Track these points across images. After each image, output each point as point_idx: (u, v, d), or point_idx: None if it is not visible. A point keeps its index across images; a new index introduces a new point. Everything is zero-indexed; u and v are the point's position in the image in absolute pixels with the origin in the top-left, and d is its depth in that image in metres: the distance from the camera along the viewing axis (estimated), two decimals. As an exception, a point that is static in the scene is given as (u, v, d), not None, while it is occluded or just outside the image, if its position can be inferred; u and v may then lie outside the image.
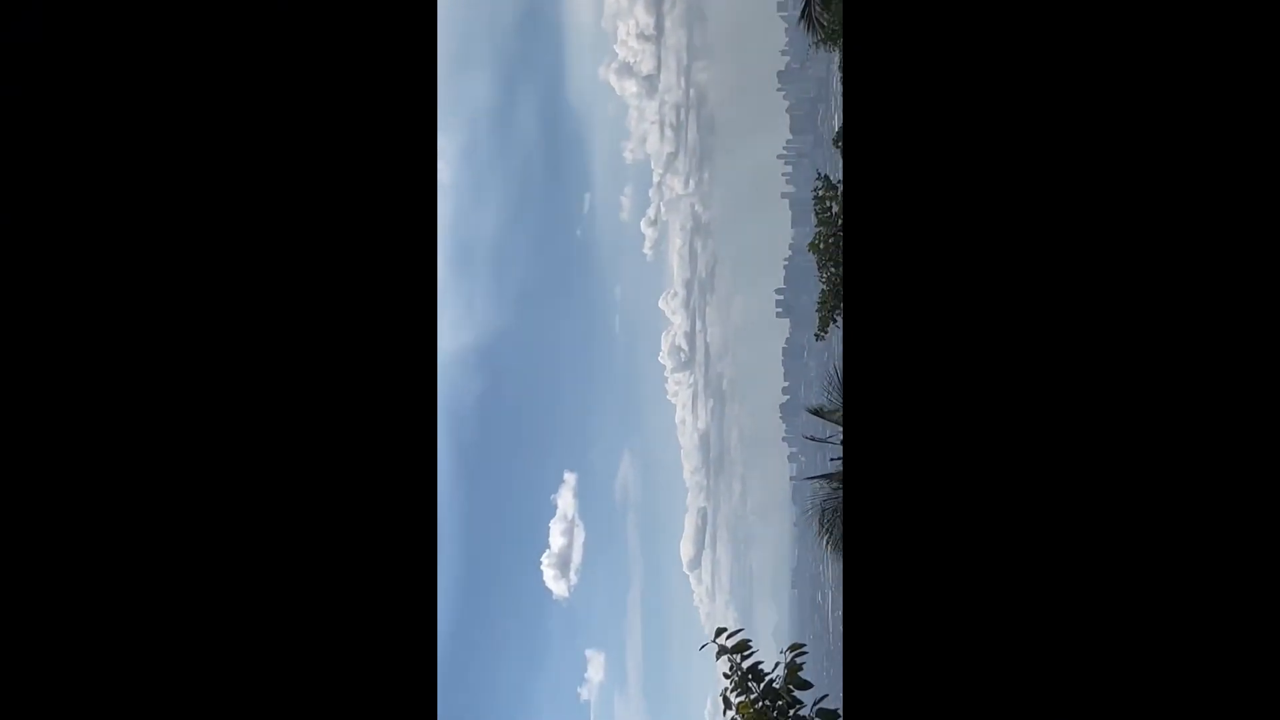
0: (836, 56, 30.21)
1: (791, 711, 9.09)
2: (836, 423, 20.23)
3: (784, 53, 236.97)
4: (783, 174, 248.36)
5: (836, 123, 33.44)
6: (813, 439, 23.25)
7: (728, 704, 9.24)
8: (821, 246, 22.03)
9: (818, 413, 20.98)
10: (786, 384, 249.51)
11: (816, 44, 28.48)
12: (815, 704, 8.88)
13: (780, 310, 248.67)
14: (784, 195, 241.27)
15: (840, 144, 30.40)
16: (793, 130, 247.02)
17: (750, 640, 9.61)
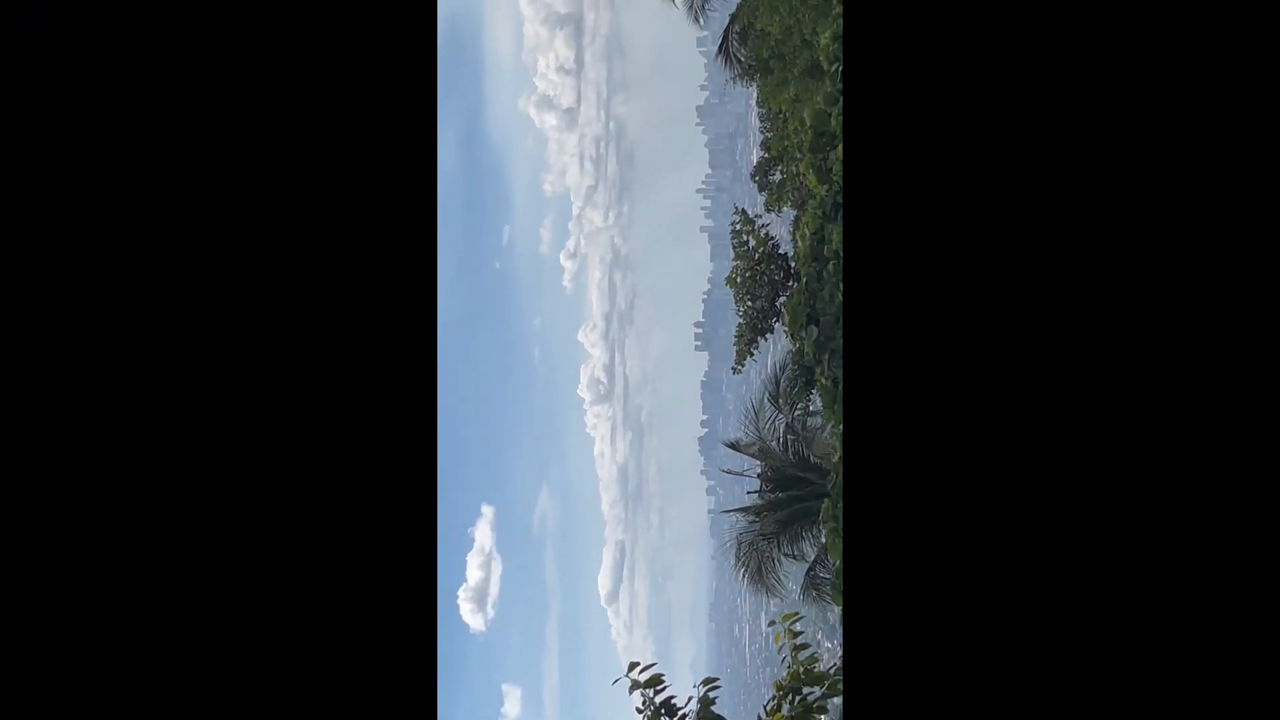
0: (754, 91, 30.39)
1: (705, 747, 8.98)
2: (754, 456, 20.23)
3: (703, 87, 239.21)
4: (701, 208, 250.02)
5: (755, 157, 33.61)
6: (731, 472, 23.24)
7: (642, 740, 9.11)
8: (739, 280, 22.04)
9: (735, 446, 20.99)
10: (705, 417, 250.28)
11: (734, 79, 28.68)
12: (729, 738, 8.78)
13: (699, 343, 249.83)
14: (703, 229, 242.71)
15: (757, 178, 30.61)
16: (711, 164, 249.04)
17: (663, 675, 9.51)
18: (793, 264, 20.78)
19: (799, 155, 24.54)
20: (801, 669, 7.88)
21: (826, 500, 15.23)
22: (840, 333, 14.75)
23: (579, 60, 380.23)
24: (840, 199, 15.09)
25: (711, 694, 9.26)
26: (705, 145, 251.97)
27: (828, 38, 15.64)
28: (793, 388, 18.47)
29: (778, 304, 21.32)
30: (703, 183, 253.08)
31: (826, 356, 14.78)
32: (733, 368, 24.26)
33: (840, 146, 14.97)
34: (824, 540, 17.23)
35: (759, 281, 21.25)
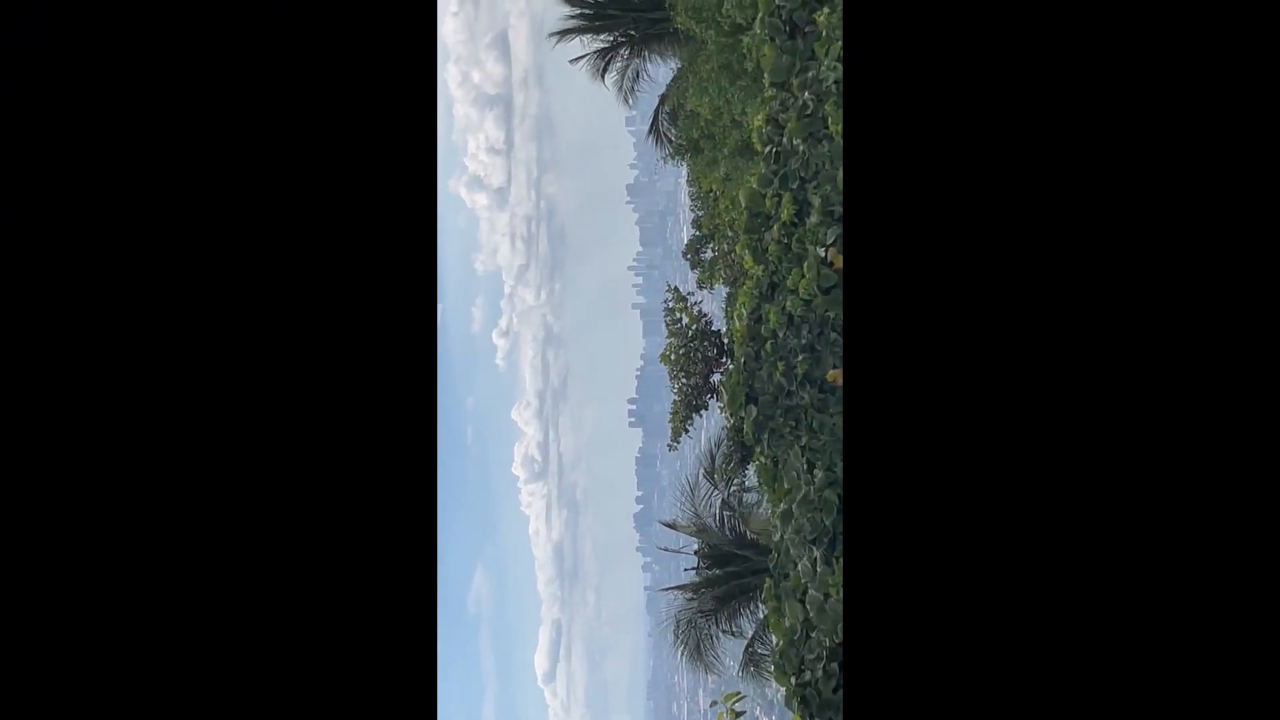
0: (685, 170, 30.72)
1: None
2: (690, 534, 20.17)
3: (633, 166, 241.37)
4: (633, 285, 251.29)
5: (685, 235, 33.95)
6: (667, 550, 23.12)
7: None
8: (673, 357, 22.12)
9: (672, 525, 20.92)
10: (640, 493, 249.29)
11: (665, 158, 28.97)
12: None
13: (633, 420, 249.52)
14: (635, 306, 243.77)
15: (689, 255, 30.83)
16: (642, 242, 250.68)
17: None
18: (726, 341, 20.89)
19: (731, 234, 24.77)
20: (747, 750, 7.80)
21: (765, 577, 15.20)
22: (779, 412, 14.79)
23: (509, 140, 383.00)
24: (775, 279, 15.21)
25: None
26: (636, 223, 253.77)
27: (760, 120, 15.84)
28: (728, 463, 18.48)
29: (712, 380, 21.39)
30: (634, 260, 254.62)
31: (766, 435, 14.81)
32: (668, 444, 24.26)
33: (776, 227, 15.13)
34: (762, 617, 17.16)
35: (693, 358, 21.35)
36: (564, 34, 27.04)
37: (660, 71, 28.81)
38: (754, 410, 14.97)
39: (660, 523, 22.68)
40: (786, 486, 14.30)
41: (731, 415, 15.91)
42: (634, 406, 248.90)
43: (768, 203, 15.43)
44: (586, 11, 27.07)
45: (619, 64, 27.75)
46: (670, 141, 28.01)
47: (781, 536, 14.38)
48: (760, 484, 15.99)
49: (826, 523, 13.66)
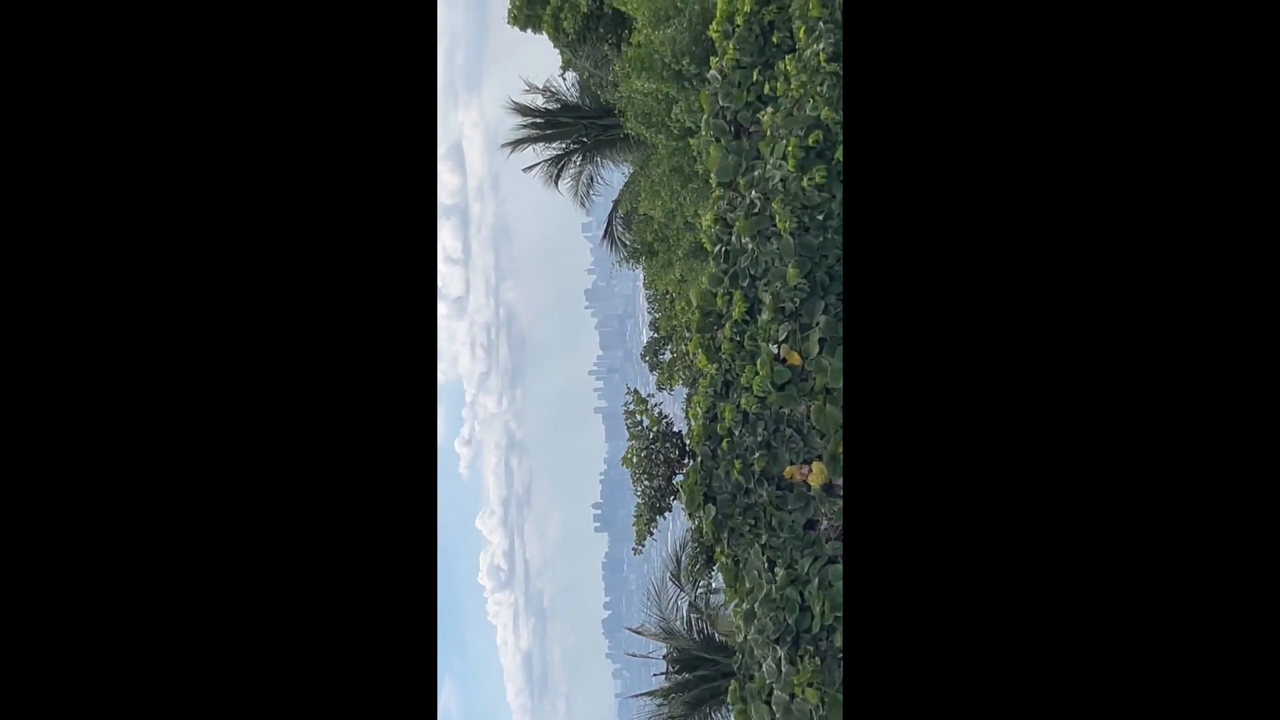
0: (640, 274, 30.91)
1: None
2: (658, 639, 19.93)
3: (590, 271, 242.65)
4: (594, 389, 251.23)
5: (644, 337, 34.10)
6: (636, 655, 22.80)
7: None
8: (635, 460, 22.00)
9: (639, 631, 20.69)
10: (608, 599, 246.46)
11: (621, 262, 29.13)
12: None
13: (598, 525, 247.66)
14: (597, 410, 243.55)
15: (647, 358, 30.89)
16: (602, 346, 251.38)
17: None
18: (687, 442, 20.85)
19: (688, 334, 24.86)
20: None
21: (733, 680, 14.99)
22: (738, 511, 14.71)
23: (466, 249, 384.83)
24: (729, 377, 15.22)
25: None
26: (595, 327, 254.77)
27: (709, 220, 15.99)
28: (693, 565, 18.33)
29: (674, 482, 21.28)
30: (595, 364, 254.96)
31: (726, 535, 14.70)
32: (633, 548, 24.07)
33: (728, 325, 15.19)
34: (733, 720, 16.90)
35: (655, 460, 21.24)
36: (517, 144, 27.34)
37: (613, 176, 29.13)
38: (712, 510, 14.88)
39: (627, 629, 22.44)
40: (748, 586, 14.17)
41: (691, 515, 15.81)
42: (599, 511, 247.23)
43: (719, 301, 15.51)
44: (538, 120, 27.41)
45: (572, 170, 28.04)
46: (625, 245, 28.23)
47: (745, 637, 14.21)
48: (724, 584, 15.85)
49: (789, 621, 13.52)
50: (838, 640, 13.18)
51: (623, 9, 25.64)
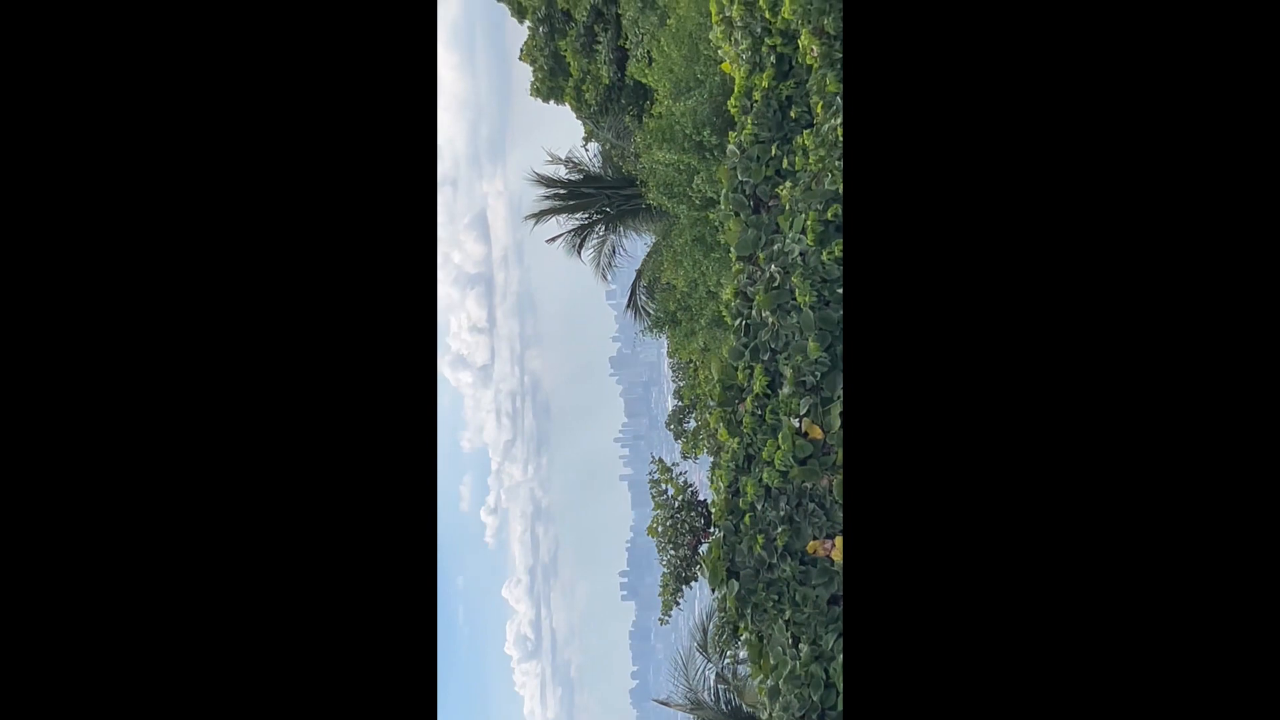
0: (665, 342, 30.97)
1: None
2: (686, 711, 19.73)
3: (615, 339, 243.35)
4: (620, 457, 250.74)
5: (669, 406, 34.07)
6: (663, 728, 22.60)
7: None
8: (660, 530, 21.93)
9: (665, 703, 20.51)
10: (635, 668, 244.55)
11: (645, 330, 29.19)
12: None
13: (625, 593, 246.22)
14: (622, 478, 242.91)
15: (672, 426, 30.84)
16: (627, 414, 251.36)
17: None
18: (712, 511, 20.77)
19: (711, 404, 24.86)
20: None
21: (761, 755, 14.80)
22: (761, 586, 14.59)
23: (491, 319, 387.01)
24: (751, 451, 15.16)
25: None
26: (620, 395, 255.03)
27: (729, 294, 16.02)
28: (720, 636, 18.19)
29: (700, 551, 21.17)
30: (620, 432, 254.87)
31: (749, 611, 14.57)
32: (659, 618, 23.93)
33: (749, 399, 15.15)
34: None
35: (680, 529, 21.13)
36: (541, 214, 27.53)
37: (636, 246, 29.29)
38: (736, 585, 14.76)
39: (654, 700, 22.26)
40: (773, 662, 14.01)
41: (715, 590, 15.69)
42: (625, 579, 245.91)
43: (740, 375, 15.50)
44: (561, 191, 27.62)
45: (595, 240, 28.21)
46: (649, 314, 28.29)
47: (770, 715, 14.02)
48: (748, 658, 15.70)
49: (814, 698, 13.34)
50: (864, 717, 12.96)
51: (644, 81, 25.93)
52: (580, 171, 28.06)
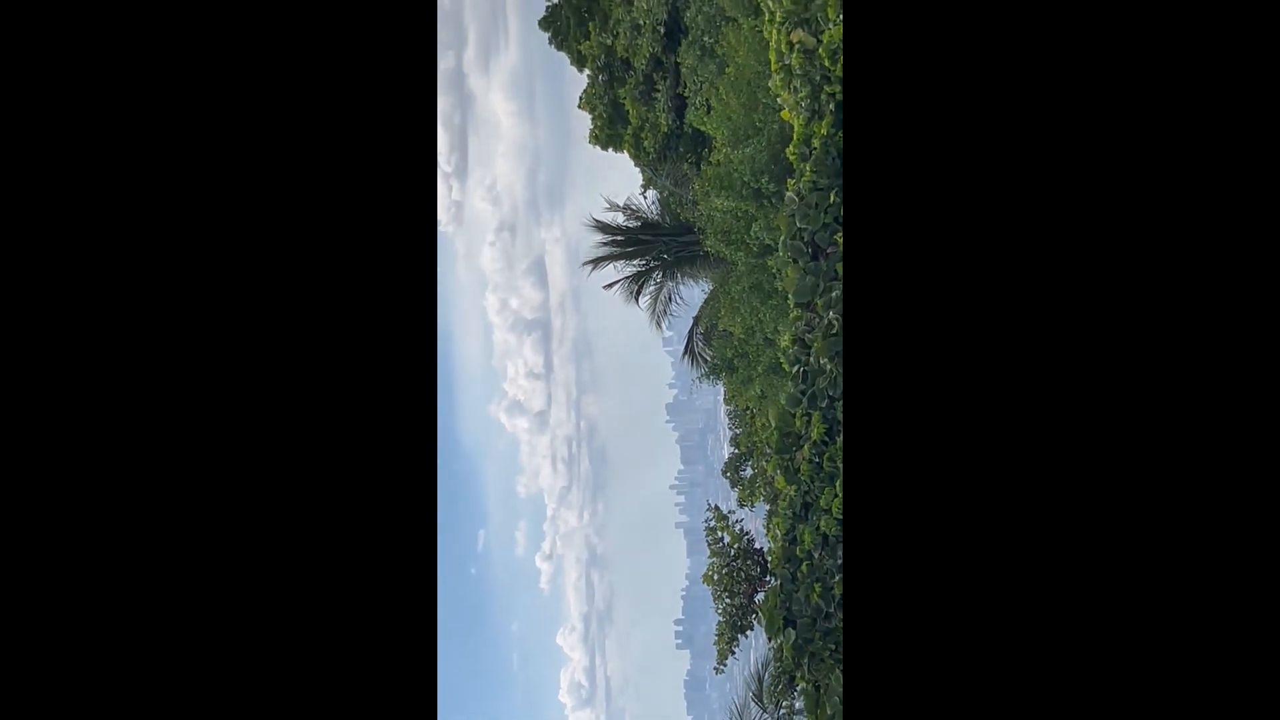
0: (721, 389, 30.93)
1: None
2: (742, 762, 19.53)
3: (671, 385, 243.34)
4: (675, 504, 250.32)
5: (725, 453, 33.98)
6: (718, 780, 22.35)
7: None
8: (716, 578, 21.79)
9: (720, 753, 20.34)
10: (690, 718, 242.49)
11: (701, 377, 29.16)
12: None
13: (680, 641, 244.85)
14: (678, 525, 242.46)
15: (728, 474, 30.74)
16: (683, 460, 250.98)
17: None
18: (768, 559, 20.62)
19: (768, 451, 24.73)
20: None
21: (817, 808, 14.60)
22: (818, 635, 14.45)
23: (548, 365, 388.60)
24: (808, 499, 15.07)
25: None
26: (676, 441, 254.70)
27: (787, 340, 15.98)
28: (776, 685, 18.00)
29: (756, 600, 21.02)
30: (676, 479, 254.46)
31: (806, 660, 14.43)
32: (715, 667, 23.75)
33: (807, 446, 15.07)
34: None
35: (736, 578, 21.00)
36: (598, 261, 27.64)
37: (693, 293, 29.32)
38: (793, 634, 14.64)
39: (709, 750, 22.07)
40: (829, 712, 13.86)
41: (771, 639, 15.56)
42: (680, 627, 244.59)
43: (798, 422, 15.43)
44: (619, 238, 27.73)
45: (652, 287, 28.26)
46: (706, 361, 28.25)
47: (828, 767, 13.87)
48: (805, 708, 15.53)
49: (873, 750, 13.18)
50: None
51: (702, 129, 26.04)
52: (638, 218, 28.18)
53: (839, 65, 15.76)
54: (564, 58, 35.11)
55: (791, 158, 17.18)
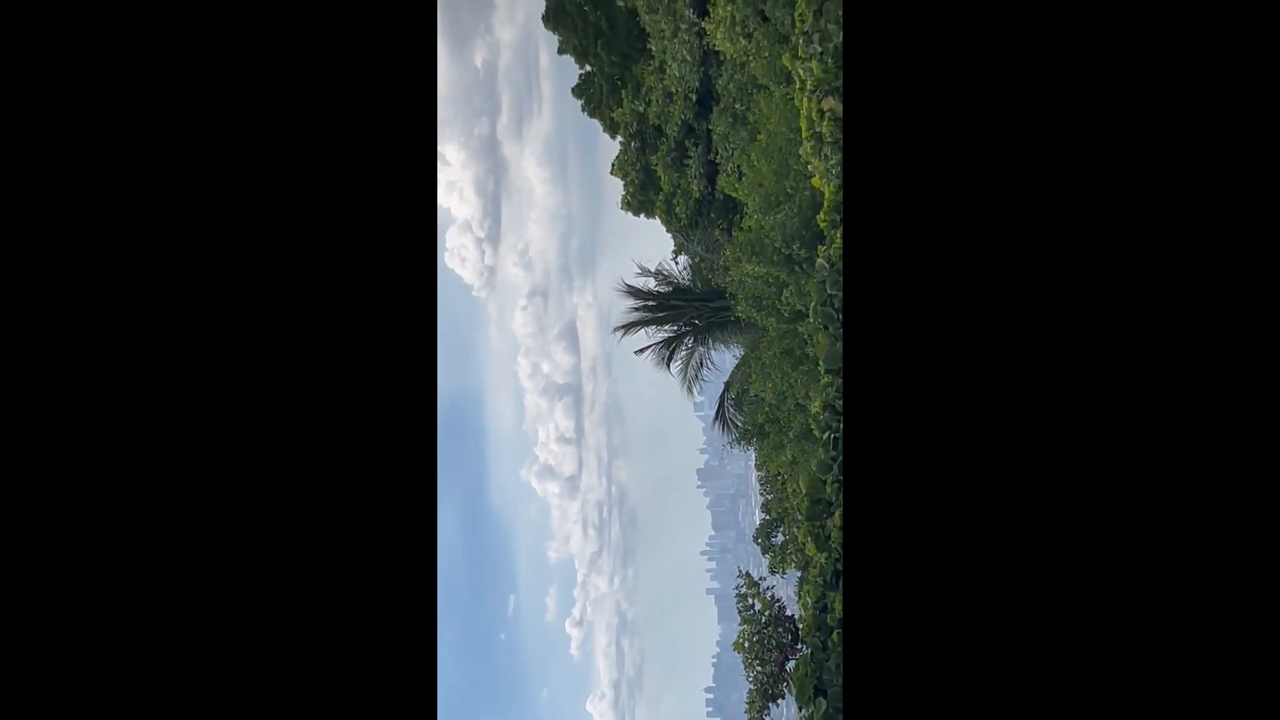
0: (752, 455, 30.82)
1: None
2: (771, 834, 19.25)
3: (702, 450, 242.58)
4: (706, 570, 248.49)
5: (756, 518, 33.81)
6: None
7: None
8: (747, 645, 21.57)
9: (750, 825, 20.04)
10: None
11: (732, 443, 29.09)
12: None
13: (711, 709, 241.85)
14: (709, 591, 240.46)
15: (760, 540, 30.56)
16: (714, 526, 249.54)
17: None
18: (800, 627, 20.43)
19: (799, 518, 24.59)
20: None
21: None
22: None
23: (579, 429, 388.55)
24: (839, 566, 14.95)
25: None
26: (707, 507, 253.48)
27: (817, 407, 15.94)
28: (807, 756, 17.80)
29: (787, 668, 20.80)
30: (706, 545, 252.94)
31: (837, 730, 14.23)
32: (747, 737, 23.48)
33: (837, 513, 14.97)
34: None
35: (767, 646, 20.80)
36: (629, 326, 27.75)
37: (724, 358, 29.35)
38: (823, 703, 14.45)
39: (739, 822, 21.78)
40: (861, 784, 13.63)
41: (802, 708, 15.37)
42: (711, 695, 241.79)
43: (829, 488, 15.34)
44: (650, 303, 27.84)
45: (683, 352, 28.32)
46: (737, 426, 28.20)
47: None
48: (837, 781, 15.30)
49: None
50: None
51: (734, 195, 26.20)
52: (669, 284, 28.30)
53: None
54: (597, 124, 35.46)
55: (822, 224, 17.23)
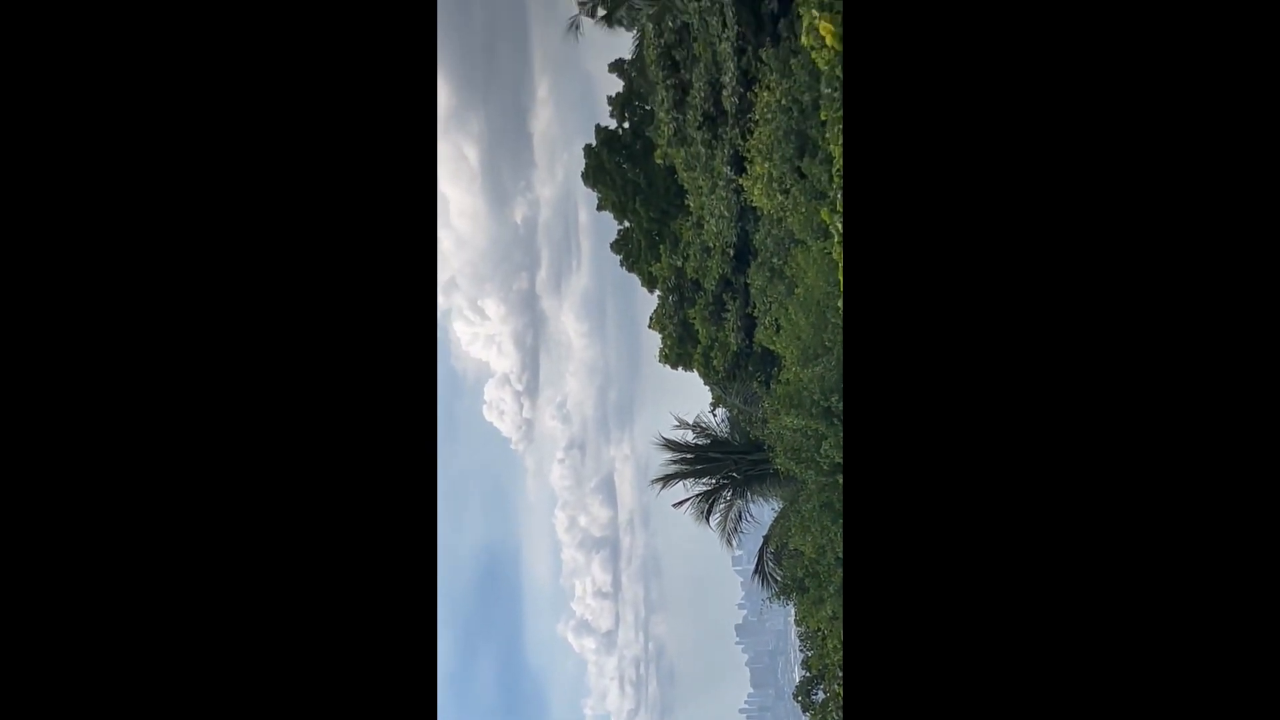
0: (792, 609, 30.47)
1: None
2: None
3: (740, 605, 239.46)
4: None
5: (796, 675, 33.33)
6: None
7: None
8: (787, 810, 21.08)
9: None
10: None
11: (771, 597, 28.75)
12: None
13: None
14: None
15: (800, 697, 29.96)
16: (753, 683, 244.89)
17: None
18: (842, 788, 19.92)
19: (840, 674, 24.12)
20: None
21: None
22: None
23: (616, 583, 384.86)
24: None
25: None
26: (746, 664, 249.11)
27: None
28: None
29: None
30: (745, 702, 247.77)
31: None
32: None
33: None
34: None
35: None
36: (667, 479, 27.65)
37: (763, 511, 29.16)
38: None
39: None
40: None
41: None
42: None
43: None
44: (688, 456, 27.80)
45: (722, 505, 28.15)
46: (776, 581, 27.89)
47: None
48: None
49: None
50: None
51: (771, 348, 26.39)
52: (707, 436, 28.29)
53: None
54: (635, 279, 35.99)
55: (861, 376, 17.28)
